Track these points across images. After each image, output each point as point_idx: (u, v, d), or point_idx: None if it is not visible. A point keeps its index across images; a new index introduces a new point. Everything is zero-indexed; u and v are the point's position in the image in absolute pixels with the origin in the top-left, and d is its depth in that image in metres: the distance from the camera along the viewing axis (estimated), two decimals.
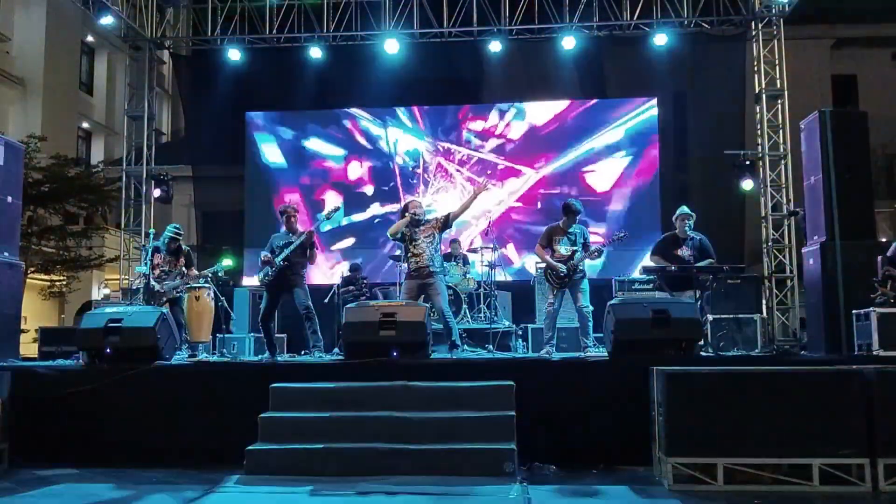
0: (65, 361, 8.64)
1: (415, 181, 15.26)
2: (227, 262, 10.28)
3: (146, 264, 9.55)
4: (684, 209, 9.26)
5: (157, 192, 14.84)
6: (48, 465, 6.86)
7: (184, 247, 9.78)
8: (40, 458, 6.98)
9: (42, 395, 7.25)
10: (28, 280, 18.23)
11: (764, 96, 14.05)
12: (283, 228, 8.92)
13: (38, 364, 8.51)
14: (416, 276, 8.54)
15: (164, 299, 9.38)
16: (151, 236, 9.88)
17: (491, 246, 11.46)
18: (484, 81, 16.19)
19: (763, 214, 13.99)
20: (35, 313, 19.45)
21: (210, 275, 9.91)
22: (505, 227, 14.81)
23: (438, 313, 8.53)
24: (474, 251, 12.04)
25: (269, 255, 8.68)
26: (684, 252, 9.03)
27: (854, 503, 5.64)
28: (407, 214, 8.60)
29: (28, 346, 12.06)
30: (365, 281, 12.22)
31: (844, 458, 5.82)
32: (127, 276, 14.82)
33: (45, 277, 19.34)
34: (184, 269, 9.58)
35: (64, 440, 7.12)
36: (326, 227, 9.00)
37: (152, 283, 9.36)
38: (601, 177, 14.94)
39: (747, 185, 13.90)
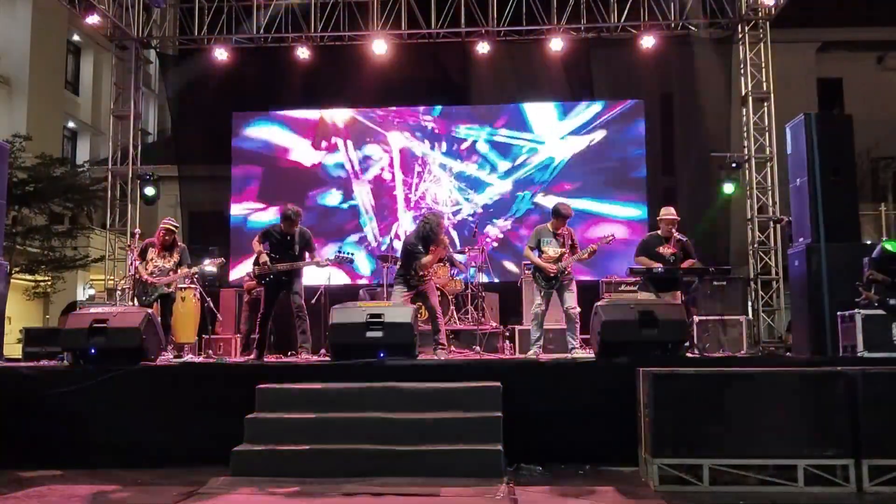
0: (49, 362, 8.59)
1: (402, 179, 15.23)
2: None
3: (139, 259, 9.51)
4: (671, 212, 9.29)
5: (149, 191, 14.74)
6: (32, 467, 6.82)
7: (180, 243, 9.69)
8: (24, 459, 6.92)
9: (26, 396, 7.20)
10: (12, 280, 18.12)
11: (750, 99, 14.12)
12: (281, 226, 8.84)
13: (22, 365, 8.45)
14: (416, 286, 8.61)
15: (155, 296, 9.32)
16: (137, 236, 9.81)
17: (478, 249, 11.48)
18: (471, 82, 16.20)
19: (749, 217, 14.06)
20: (19, 314, 19.31)
21: (197, 272, 9.87)
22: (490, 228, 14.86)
23: (431, 311, 8.60)
24: (461, 253, 12.07)
25: (267, 256, 8.64)
26: (667, 251, 9.07)
27: None
28: (445, 244, 8.73)
29: (12, 347, 11.97)
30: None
31: (829, 459, 5.85)
32: (112, 277, 14.75)
33: (30, 278, 19.24)
34: (175, 265, 9.49)
35: (48, 441, 7.07)
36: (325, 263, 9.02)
37: (145, 277, 9.30)
38: (588, 179, 14.94)
39: (728, 188, 13.94)
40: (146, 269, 9.38)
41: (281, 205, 9.45)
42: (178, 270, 9.48)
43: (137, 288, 9.55)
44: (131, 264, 9.63)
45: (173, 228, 9.57)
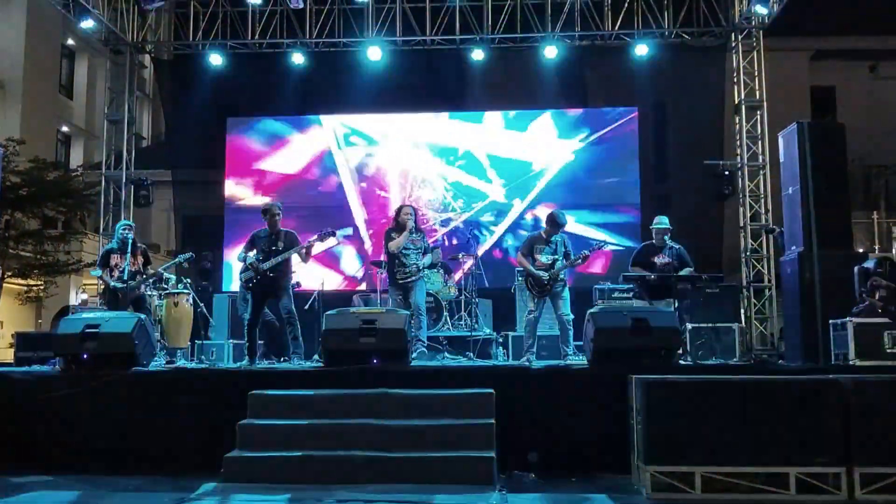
0: (41, 367, 8.55)
1: (396, 183, 15.24)
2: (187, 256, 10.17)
3: (102, 267, 9.45)
4: (663, 222, 9.30)
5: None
6: (23, 473, 6.77)
7: (139, 244, 9.63)
8: (14, 465, 6.88)
9: (17, 401, 7.19)
10: (5, 284, 18.10)
11: (743, 107, 14.16)
12: (266, 227, 8.83)
13: (13, 370, 8.40)
14: (402, 286, 8.62)
15: (128, 300, 9.24)
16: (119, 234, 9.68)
17: (472, 256, 11.47)
18: (466, 89, 16.24)
19: (741, 224, 14.09)
20: (11, 318, 19.29)
21: (163, 271, 9.82)
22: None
23: (415, 308, 8.62)
24: (454, 259, 12.07)
25: (255, 259, 8.61)
26: (662, 260, 9.09)
27: None
28: (408, 226, 8.72)
29: (4, 352, 11.95)
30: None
31: (821, 467, 5.86)
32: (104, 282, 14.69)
33: (23, 282, 19.18)
34: (141, 267, 9.42)
35: (39, 447, 7.05)
36: (317, 250, 9.00)
37: (112, 283, 9.23)
38: (581, 185, 14.97)
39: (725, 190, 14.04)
40: (112, 276, 9.29)
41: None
42: (147, 270, 9.45)
43: (108, 296, 9.47)
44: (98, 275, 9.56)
45: (132, 226, 9.59)
